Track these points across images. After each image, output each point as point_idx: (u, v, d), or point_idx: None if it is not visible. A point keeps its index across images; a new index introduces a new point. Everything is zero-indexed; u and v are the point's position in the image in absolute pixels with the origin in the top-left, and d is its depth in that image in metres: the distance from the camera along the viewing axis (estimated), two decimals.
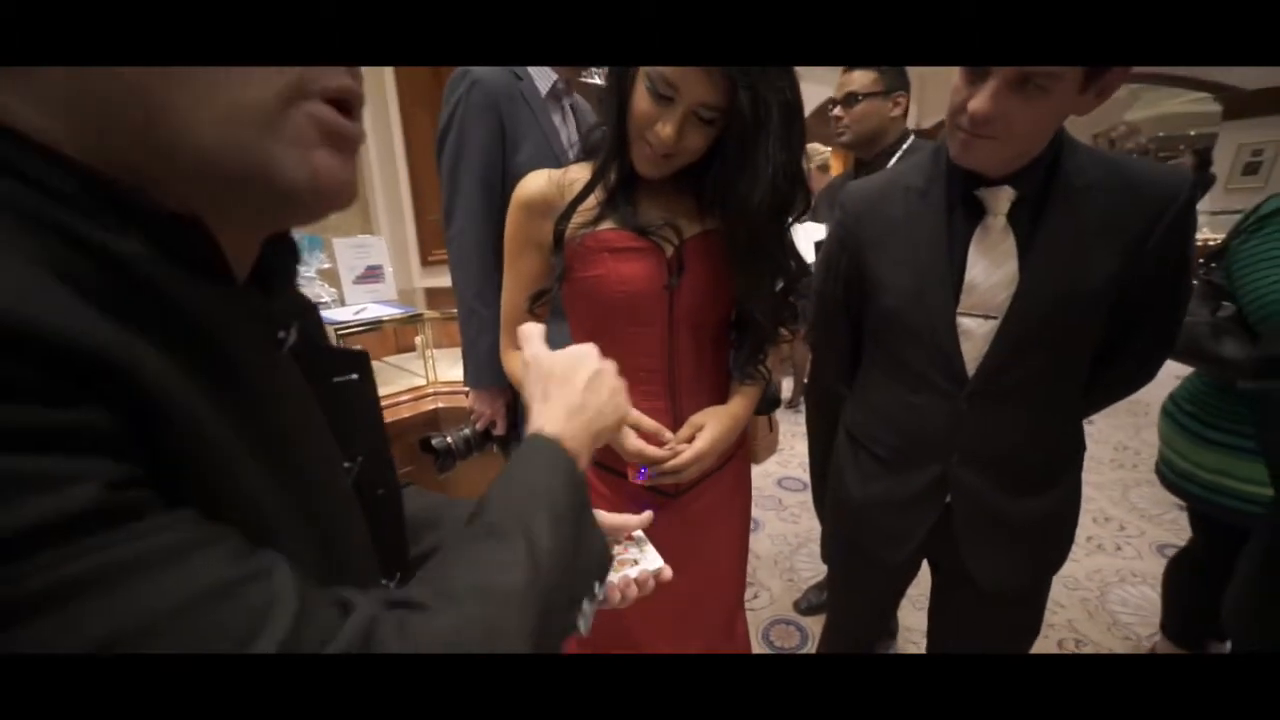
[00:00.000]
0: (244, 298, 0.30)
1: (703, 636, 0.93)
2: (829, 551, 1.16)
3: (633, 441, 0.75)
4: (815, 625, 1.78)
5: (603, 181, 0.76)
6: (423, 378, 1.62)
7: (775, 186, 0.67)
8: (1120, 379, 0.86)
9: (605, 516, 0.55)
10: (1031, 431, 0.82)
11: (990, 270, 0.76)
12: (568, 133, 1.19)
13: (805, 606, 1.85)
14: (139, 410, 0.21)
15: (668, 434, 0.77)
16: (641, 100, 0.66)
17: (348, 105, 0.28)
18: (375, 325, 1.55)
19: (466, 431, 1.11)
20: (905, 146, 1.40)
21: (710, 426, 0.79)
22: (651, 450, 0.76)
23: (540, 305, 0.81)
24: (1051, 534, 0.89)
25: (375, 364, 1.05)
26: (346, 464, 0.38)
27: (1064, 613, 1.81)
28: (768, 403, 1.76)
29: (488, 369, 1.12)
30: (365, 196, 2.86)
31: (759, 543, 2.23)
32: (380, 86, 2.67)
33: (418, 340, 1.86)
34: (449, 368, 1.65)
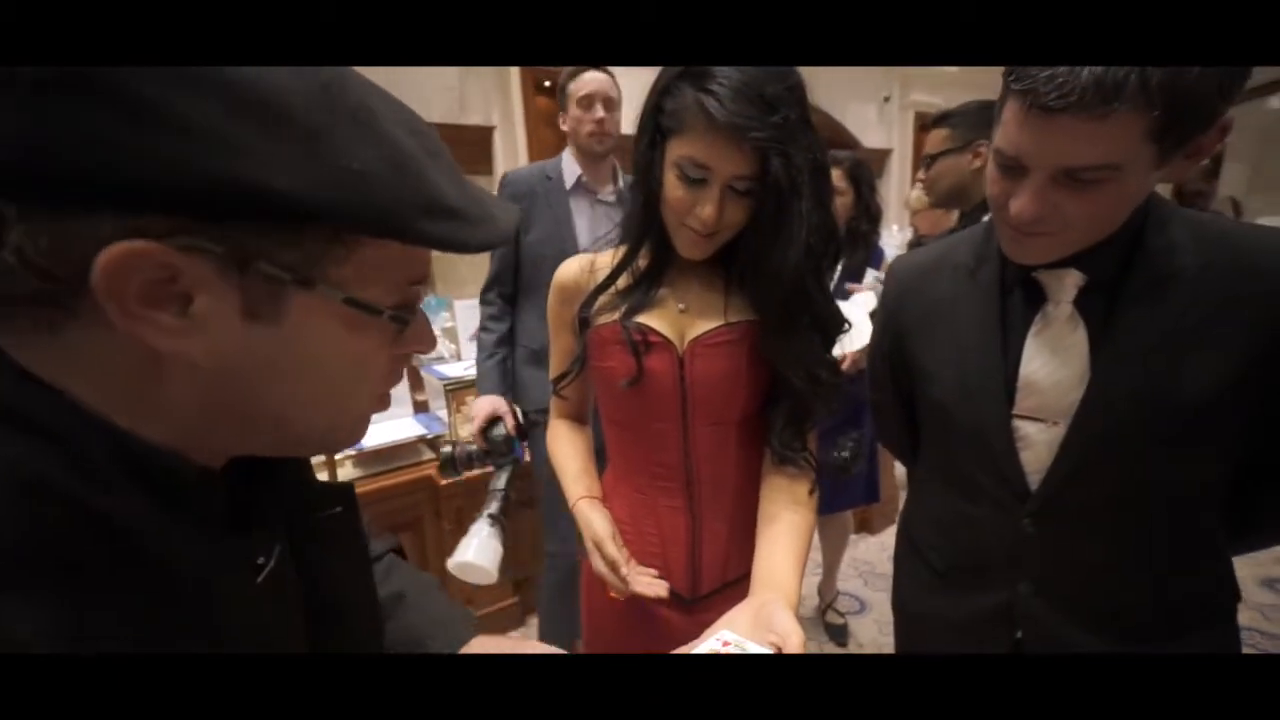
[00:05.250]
0: (226, 545, 0.31)
1: None
2: None
3: (597, 563, 0.75)
4: None
5: (629, 269, 0.76)
6: None
7: (810, 247, 0.65)
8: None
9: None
10: (1129, 567, 0.64)
11: (1053, 367, 0.62)
12: (592, 221, 1.40)
13: None
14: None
15: (624, 568, 0.74)
16: (674, 189, 0.65)
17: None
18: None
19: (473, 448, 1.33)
20: None
21: (783, 619, 0.57)
22: (611, 579, 0.74)
23: (563, 387, 0.82)
24: None
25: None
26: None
27: None
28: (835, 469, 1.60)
29: (485, 380, 1.42)
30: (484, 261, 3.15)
31: (862, 628, 1.96)
32: (513, 143, 2.94)
33: None
34: None
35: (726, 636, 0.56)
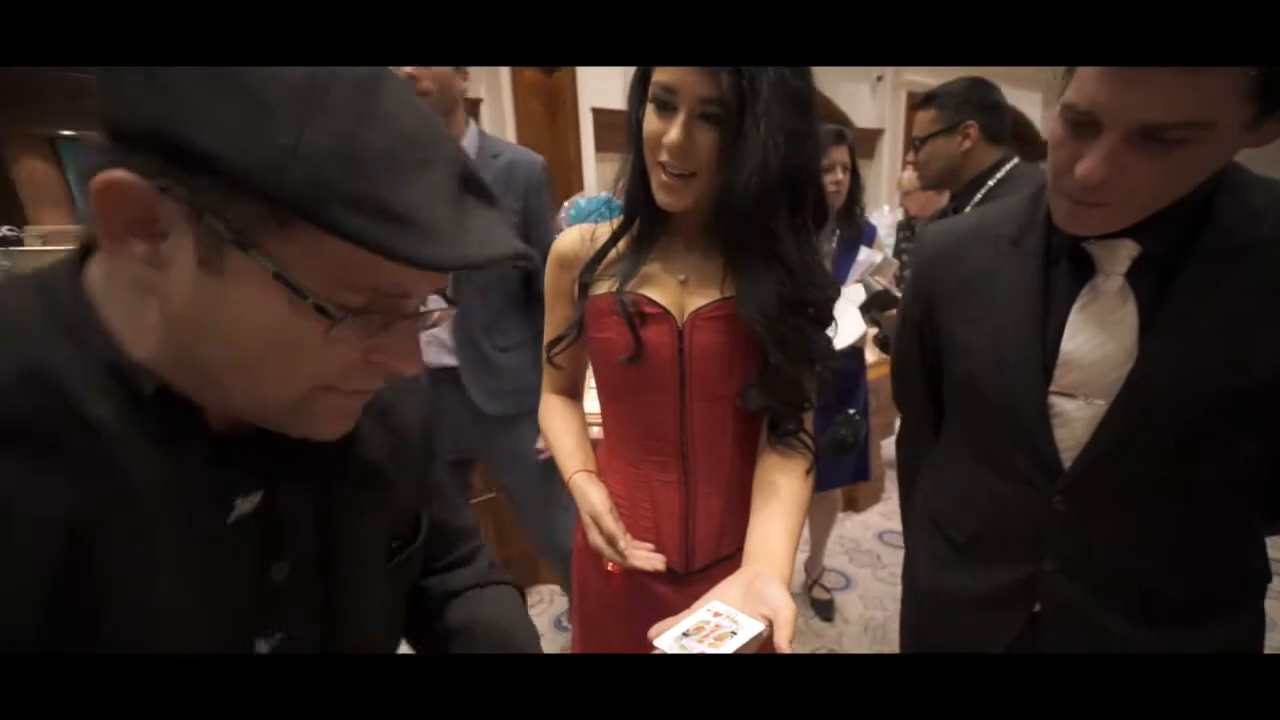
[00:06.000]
0: (189, 469, 0.34)
1: None
2: (903, 642, 0.99)
3: (594, 537, 0.74)
4: None
5: (628, 235, 0.74)
6: None
7: (766, 167, 0.61)
8: None
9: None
10: (1161, 546, 0.63)
11: (1098, 342, 0.59)
12: None
13: None
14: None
15: (622, 541, 0.73)
16: (651, 122, 0.64)
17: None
18: None
19: None
20: (1000, 175, 1.27)
21: (776, 593, 0.57)
22: (609, 552, 0.73)
23: (556, 353, 0.80)
24: None
25: None
26: (266, 640, 0.39)
27: None
28: (836, 446, 1.60)
29: None
30: None
31: (848, 603, 1.99)
32: (500, 131, 2.89)
33: None
34: None
35: (717, 607, 0.56)
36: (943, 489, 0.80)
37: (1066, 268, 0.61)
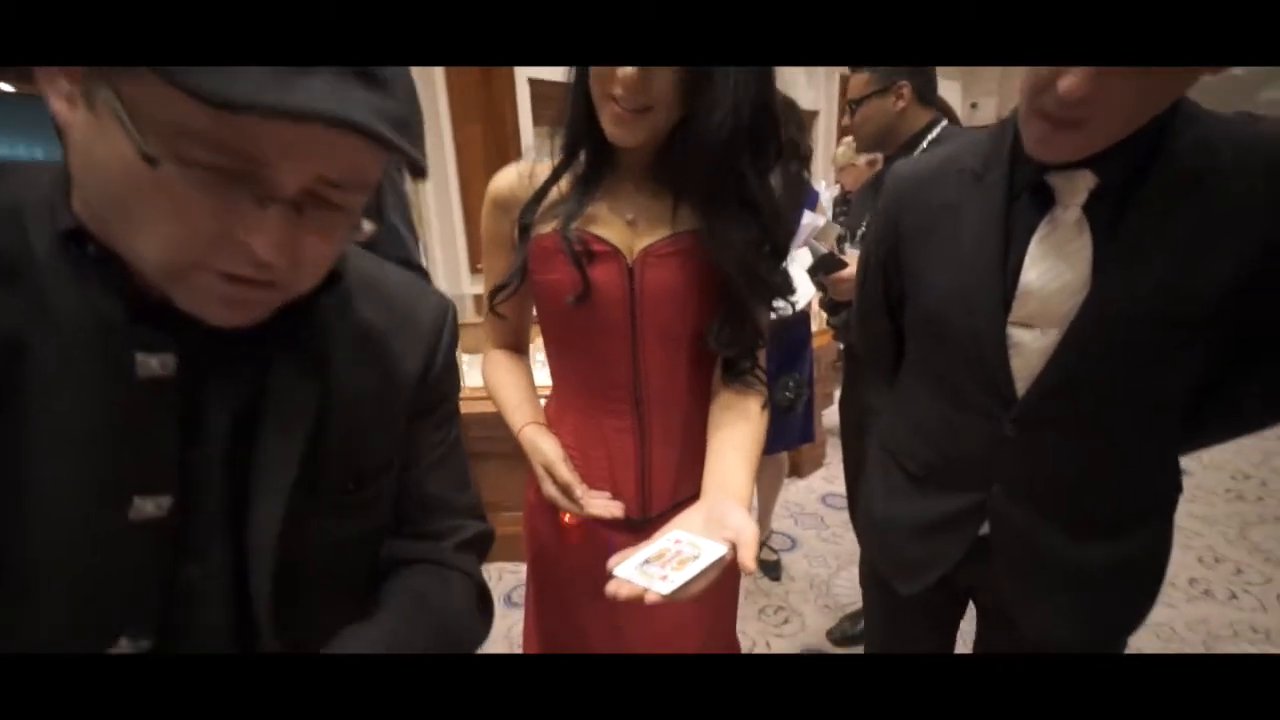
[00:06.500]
0: (105, 316, 0.34)
1: None
2: (862, 579, 1.03)
3: (548, 488, 0.71)
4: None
5: (570, 172, 0.70)
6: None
7: (737, 109, 0.60)
8: (1238, 415, 0.68)
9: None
10: (1099, 467, 0.67)
11: (1054, 273, 0.62)
12: None
13: (839, 637, 1.68)
14: None
15: (578, 489, 0.70)
16: None
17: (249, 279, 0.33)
18: None
19: None
20: (933, 135, 1.31)
21: (737, 516, 0.56)
22: (564, 503, 0.71)
23: (500, 303, 0.75)
24: (1124, 588, 0.72)
25: None
26: (151, 499, 0.36)
27: None
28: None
29: None
30: (419, 208, 2.93)
31: (794, 563, 2.06)
32: (432, 99, 2.74)
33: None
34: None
35: (678, 535, 0.55)
36: (900, 423, 0.82)
37: (1027, 201, 0.63)
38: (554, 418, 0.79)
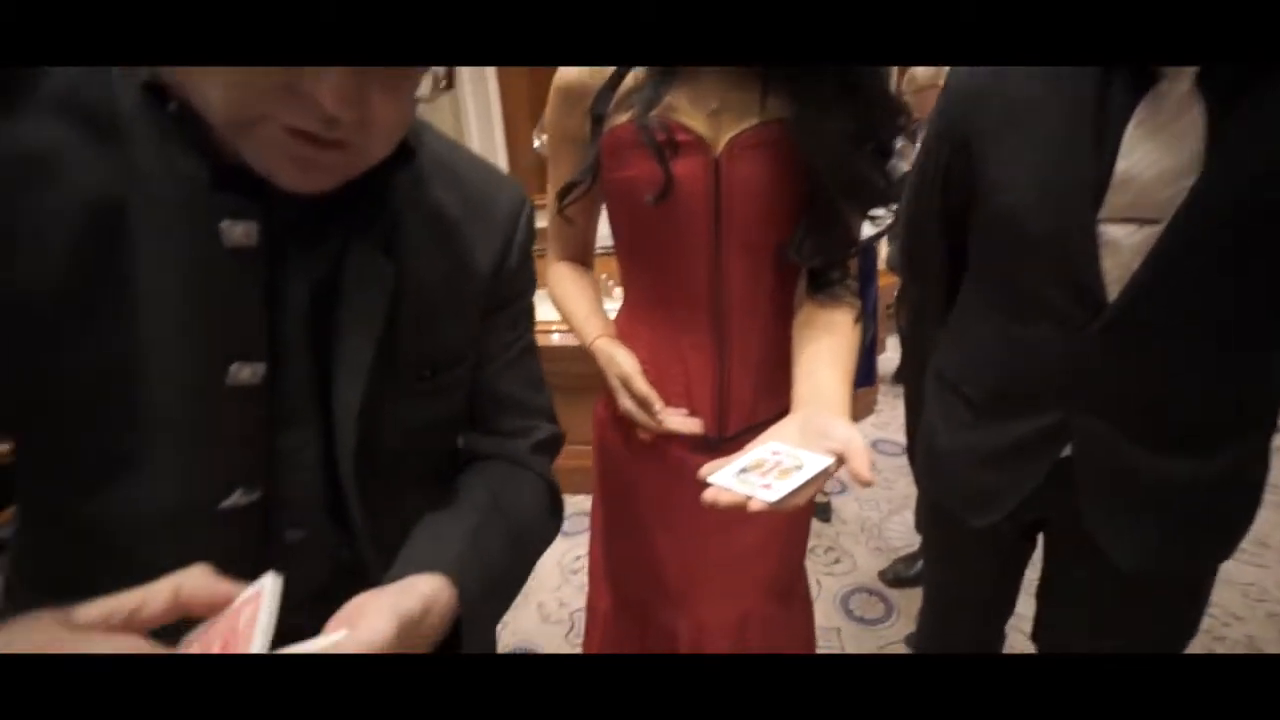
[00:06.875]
0: (190, 179, 0.34)
1: (755, 596, 0.84)
2: (921, 518, 1.01)
3: (625, 402, 0.69)
4: (906, 600, 1.62)
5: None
6: None
7: None
8: None
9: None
10: (1196, 376, 0.62)
11: (1157, 156, 0.55)
12: None
13: (892, 578, 1.68)
14: None
15: (658, 404, 0.68)
16: None
17: (316, 136, 0.32)
18: None
19: None
20: None
21: (841, 427, 0.52)
22: (642, 417, 0.69)
23: (569, 204, 0.72)
24: (1219, 509, 0.68)
25: None
26: (248, 366, 0.38)
27: (1241, 627, 1.45)
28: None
29: None
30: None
31: (845, 505, 2.06)
32: (485, 91, 2.73)
33: None
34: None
35: (775, 446, 0.52)
36: (960, 349, 0.79)
37: (1125, 83, 0.56)
38: (624, 332, 0.76)
